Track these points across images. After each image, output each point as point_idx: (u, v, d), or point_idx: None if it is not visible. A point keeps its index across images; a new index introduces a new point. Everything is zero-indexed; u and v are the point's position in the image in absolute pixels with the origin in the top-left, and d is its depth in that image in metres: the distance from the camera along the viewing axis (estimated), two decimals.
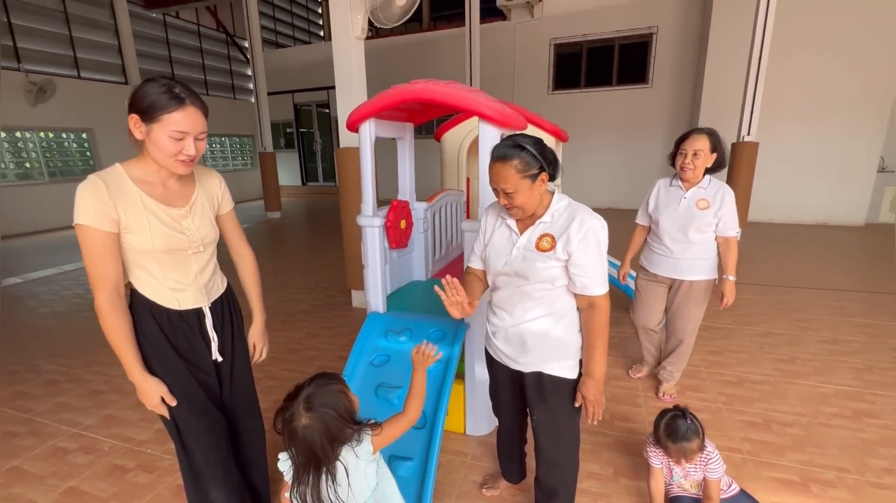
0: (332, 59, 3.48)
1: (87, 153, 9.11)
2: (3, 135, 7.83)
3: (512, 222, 1.35)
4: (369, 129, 2.01)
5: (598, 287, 1.26)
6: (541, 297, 1.31)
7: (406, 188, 2.49)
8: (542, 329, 1.33)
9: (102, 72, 9.23)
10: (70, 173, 8.82)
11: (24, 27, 7.94)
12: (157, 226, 1.17)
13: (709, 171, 2.10)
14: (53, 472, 1.97)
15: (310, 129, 12.95)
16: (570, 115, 9.37)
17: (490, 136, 1.83)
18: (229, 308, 1.42)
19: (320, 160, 13.14)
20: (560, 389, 1.38)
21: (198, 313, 1.30)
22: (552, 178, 1.28)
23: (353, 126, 2.01)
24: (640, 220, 2.36)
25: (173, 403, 1.24)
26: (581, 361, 1.37)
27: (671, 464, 1.61)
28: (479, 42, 8.23)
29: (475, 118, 2.88)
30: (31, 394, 2.63)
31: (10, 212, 7.72)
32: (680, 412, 1.55)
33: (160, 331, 1.23)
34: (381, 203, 2.15)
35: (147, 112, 1.08)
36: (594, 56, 9.12)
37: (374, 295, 2.12)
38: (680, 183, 2.16)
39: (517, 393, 1.53)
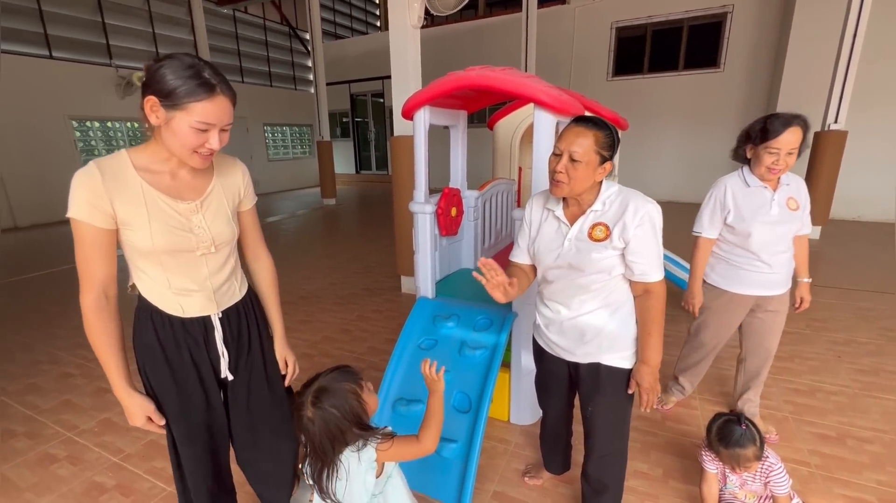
0: (388, 49, 3.53)
1: None
2: (97, 124, 8.69)
3: (560, 212, 1.31)
4: (424, 117, 2.03)
5: (656, 273, 1.22)
6: (597, 289, 1.27)
7: (458, 176, 2.50)
8: (600, 321, 1.30)
9: None
10: None
11: (115, 26, 8.72)
12: (158, 222, 1.01)
13: None
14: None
15: (364, 119, 13.28)
16: (630, 101, 8.93)
17: (545, 122, 1.79)
18: (246, 318, 1.23)
19: (374, 149, 13.45)
20: (618, 380, 1.35)
21: (204, 323, 1.13)
22: (612, 171, 1.25)
23: (408, 114, 2.04)
24: (709, 231, 1.85)
25: (161, 422, 1.14)
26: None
27: (726, 470, 1.53)
28: (536, 28, 8.02)
29: (529, 106, 2.82)
30: None
31: None
32: (734, 417, 1.46)
33: (158, 343, 1.10)
34: (432, 191, 2.17)
35: (170, 97, 0.92)
36: (659, 39, 8.59)
37: (424, 280, 2.17)
38: (760, 182, 1.75)
39: (569, 385, 1.51)
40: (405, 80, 3.55)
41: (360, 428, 1.02)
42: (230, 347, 1.18)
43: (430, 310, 2.11)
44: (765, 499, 1.53)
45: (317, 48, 8.85)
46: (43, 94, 7.60)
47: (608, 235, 1.22)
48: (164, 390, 1.13)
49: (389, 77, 3.59)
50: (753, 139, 1.72)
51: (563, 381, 1.51)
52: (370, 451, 1.03)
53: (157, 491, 1.78)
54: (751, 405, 2.06)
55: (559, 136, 1.23)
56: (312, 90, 9.77)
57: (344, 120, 13.52)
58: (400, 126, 3.70)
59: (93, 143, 8.64)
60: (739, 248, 1.81)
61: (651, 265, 1.21)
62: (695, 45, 8.32)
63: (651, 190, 9.84)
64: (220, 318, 1.15)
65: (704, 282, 1.94)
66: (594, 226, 1.24)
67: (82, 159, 8.34)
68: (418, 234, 2.14)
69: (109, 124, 8.88)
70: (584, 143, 1.17)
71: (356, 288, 4.24)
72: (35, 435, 2.15)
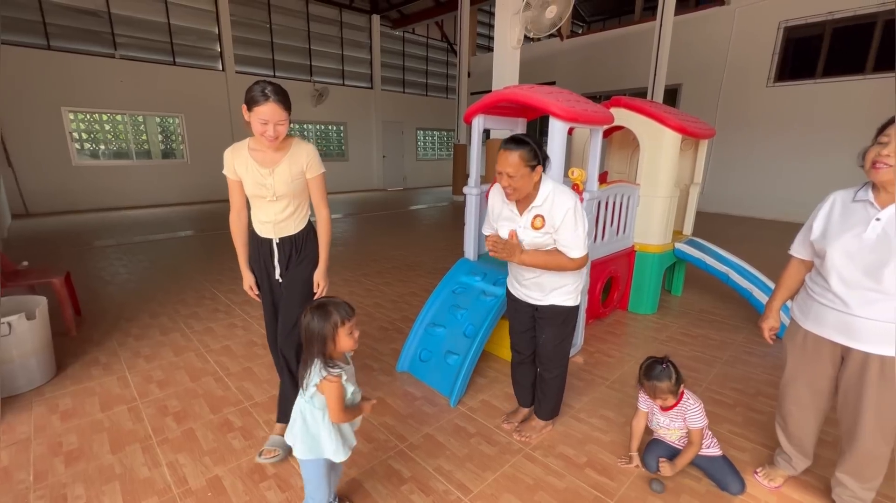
0: (530, 61, 4.20)
1: (342, 139, 12.33)
2: (296, 126, 11.37)
3: (513, 205, 1.75)
4: (479, 123, 2.70)
5: (575, 251, 1.67)
6: None
7: None
8: (553, 277, 1.80)
9: (357, 80, 12.26)
10: (330, 154, 12.15)
11: (317, 51, 11.29)
12: (251, 178, 1.70)
13: None
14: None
15: None
16: (796, 109, 7.91)
17: (558, 129, 2.31)
18: (295, 247, 1.83)
19: None
20: (563, 315, 1.86)
21: (270, 243, 1.80)
22: (544, 170, 1.69)
23: (467, 120, 2.74)
24: (798, 250, 1.58)
25: (256, 292, 1.88)
26: (581, 293, 1.84)
27: (655, 409, 1.85)
28: (686, 32, 7.77)
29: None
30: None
31: None
32: (660, 359, 1.78)
33: (253, 250, 1.86)
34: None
35: (248, 104, 1.58)
36: (841, 38, 7.40)
37: (468, 245, 2.84)
38: (870, 196, 1.36)
39: (532, 325, 1.98)
40: None
41: (320, 349, 1.27)
42: (282, 261, 1.83)
43: (467, 268, 2.78)
44: (685, 438, 1.81)
45: (462, 61, 9.99)
46: None
47: (544, 224, 1.67)
48: (257, 273, 1.89)
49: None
50: (876, 136, 1.34)
51: (529, 321, 1.98)
52: (315, 377, 1.28)
53: None
54: (840, 491, 1.58)
55: (497, 161, 1.66)
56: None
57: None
58: (495, 133, 4.38)
59: None
60: (817, 274, 1.50)
61: (571, 245, 1.66)
62: (891, 42, 6.95)
63: (810, 210, 8.59)
64: (276, 243, 1.81)
65: (791, 315, 1.64)
66: (535, 217, 1.69)
67: None
68: (468, 210, 2.83)
69: (305, 125, 11.54)
70: (513, 162, 1.58)
71: (451, 263, 5.06)
72: (228, 313, 3.50)
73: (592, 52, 10.91)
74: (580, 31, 15.18)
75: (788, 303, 1.70)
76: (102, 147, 8.76)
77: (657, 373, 1.75)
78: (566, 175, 2.55)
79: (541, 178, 1.69)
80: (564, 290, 1.83)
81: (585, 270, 1.82)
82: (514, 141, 1.62)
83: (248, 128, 1.66)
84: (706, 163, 8.75)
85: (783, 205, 8.30)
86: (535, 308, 1.91)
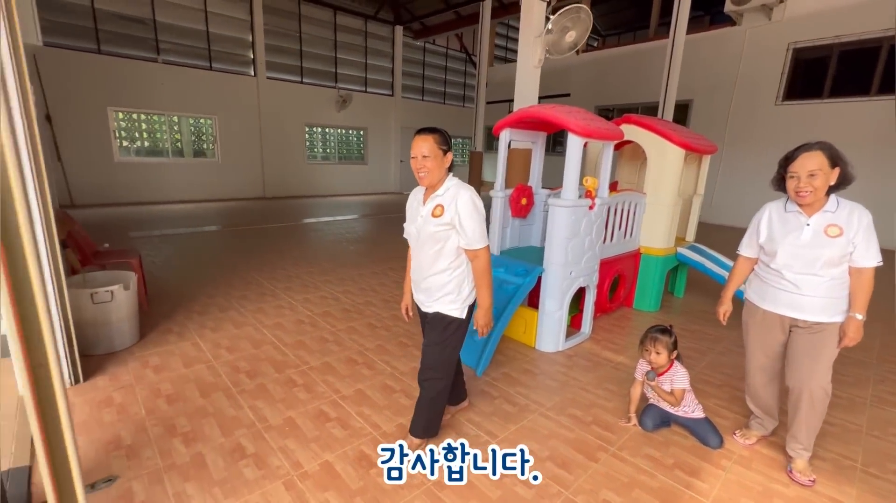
0: (546, 73, 4.60)
1: (362, 145, 12.83)
2: (319, 130, 11.90)
3: (420, 196, 1.83)
4: (506, 135, 3.12)
5: (478, 243, 1.71)
6: (440, 255, 1.77)
7: (535, 178, 3.50)
8: (441, 280, 1.79)
9: (378, 87, 12.78)
10: (350, 158, 12.66)
11: (342, 59, 11.83)
12: None
13: (833, 189, 1.74)
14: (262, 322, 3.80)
15: None
16: (802, 127, 8.20)
17: (575, 143, 2.71)
18: None
19: None
20: (451, 323, 1.83)
21: None
22: (452, 162, 1.78)
23: (496, 132, 3.15)
24: (746, 251, 2.02)
25: None
26: (469, 307, 1.85)
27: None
28: (699, 50, 8.12)
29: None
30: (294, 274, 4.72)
31: (316, 181, 11.76)
32: (666, 326, 2.15)
33: None
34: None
35: None
36: (847, 60, 7.72)
37: (492, 241, 3.24)
38: (798, 208, 1.81)
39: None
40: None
41: None
42: None
43: (492, 261, 3.17)
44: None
45: (481, 72, 10.44)
46: (292, 107, 10.91)
47: (443, 213, 1.71)
48: None
49: (543, 98, 4.66)
50: (780, 168, 1.82)
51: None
52: None
53: None
54: (794, 445, 1.94)
55: (412, 146, 1.73)
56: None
57: None
58: (516, 143, 4.78)
59: (316, 143, 11.89)
60: (768, 268, 1.92)
61: (473, 237, 1.69)
62: (894, 66, 7.25)
63: None
64: None
65: (747, 299, 2.08)
66: (436, 206, 1.74)
67: (307, 154, 11.59)
68: (494, 211, 3.23)
69: (328, 130, 12.07)
70: (428, 145, 1.68)
71: None
72: (275, 297, 3.93)
73: (607, 66, 11.33)
74: (595, 45, 15.62)
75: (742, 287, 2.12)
76: (137, 144, 9.34)
77: (660, 328, 2.13)
78: (581, 183, 2.94)
79: (449, 171, 1.79)
80: (448, 300, 1.81)
81: (471, 277, 1.84)
82: (428, 129, 1.73)
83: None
84: (715, 176, 9.17)
85: None
86: (427, 315, 1.92)
